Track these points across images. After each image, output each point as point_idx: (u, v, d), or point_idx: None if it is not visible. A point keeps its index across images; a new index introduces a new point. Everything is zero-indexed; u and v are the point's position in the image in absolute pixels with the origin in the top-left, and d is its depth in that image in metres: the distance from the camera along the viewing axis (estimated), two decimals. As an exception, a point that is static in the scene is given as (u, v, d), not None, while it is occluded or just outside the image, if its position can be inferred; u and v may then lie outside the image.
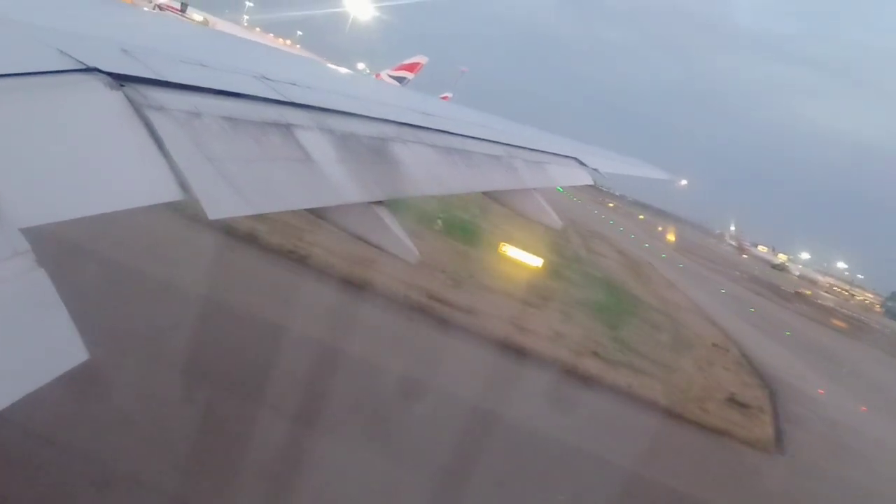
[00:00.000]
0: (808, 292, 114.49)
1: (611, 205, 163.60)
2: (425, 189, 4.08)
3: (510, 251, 28.46)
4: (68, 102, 1.85)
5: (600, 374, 17.80)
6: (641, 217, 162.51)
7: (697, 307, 38.57)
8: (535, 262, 28.37)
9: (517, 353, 17.16)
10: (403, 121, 4.27)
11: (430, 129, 4.57)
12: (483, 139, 5.35)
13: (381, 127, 3.84)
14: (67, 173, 1.67)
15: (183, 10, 45.11)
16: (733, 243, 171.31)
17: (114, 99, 1.97)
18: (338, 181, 2.92)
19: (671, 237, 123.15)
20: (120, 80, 2.05)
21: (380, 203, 3.34)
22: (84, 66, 1.97)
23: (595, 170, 7.72)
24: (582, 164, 7.43)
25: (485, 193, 5.55)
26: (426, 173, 4.09)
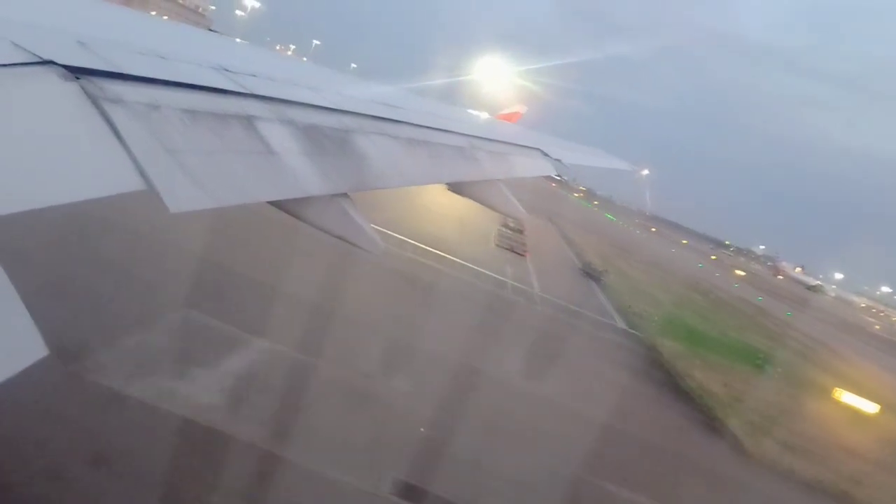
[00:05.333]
0: None
1: (653, 229, 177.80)
2: (389, 181, 4.10)
3: (845, 397, 29.09)
4: (23, 95, 1.83)
5: None
6: (685, 242, 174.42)
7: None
8: (871, 407, 28.59)
9: None
10: (366, 112, 4.28)
11: (393, 120, 4.59)
12: (446, 130, 5.39)
13: (344, 119, 3.84)
14: (22, 165, 1.66)
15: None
16: (769, 264, 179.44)
17: (70, 91, 1.96)
18: (300, 173, 2.93)
19: (739, 272, 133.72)
20: (76, 72, 2.03)
21: (344, 195, 3.35)
22: (39, 59, 1.95)
23: (558, 160, 7.83)
24: (545, 154, 7.52)
25: (449, 185, 5.59)
26: (390, 165, 4.11)
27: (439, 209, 40.82)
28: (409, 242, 28.68)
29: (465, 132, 5.86)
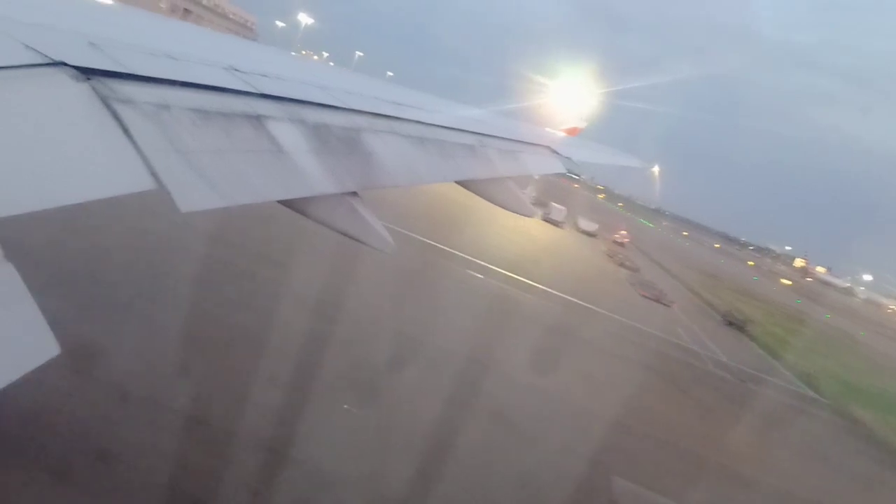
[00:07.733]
0: None
1: (685, 233, 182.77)
2: (399, 179, 4.09)
3: None
4: (34, 96, 1.84)
5: None
6: (717, 246, 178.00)
7: None
8: None
9: None
10: (376, 111, 4.28)
11: (403, 119, 4.58)
12: (455, 128, 5.38)
13: (353, 117, 3.84)
14: (34, 166, 1.67)
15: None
16: (799, 266, 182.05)
17: (80, 92, 1.97)
18: (310, 172, 2.94)
19: (785, 281, 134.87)
20: (87, 73, 2.04)
21: (353, 194, 3.35)
22: (50, 60, 1.96)
23: (568, 158, 7.80)
24: (554, 152, 7.49)
25: (458, 182, 5.58)
26: (399, 163, 4.11)
27: (531, 234, 39.84)
28: (558, 296, 28.07)
29: (475, 130, 5.85)
